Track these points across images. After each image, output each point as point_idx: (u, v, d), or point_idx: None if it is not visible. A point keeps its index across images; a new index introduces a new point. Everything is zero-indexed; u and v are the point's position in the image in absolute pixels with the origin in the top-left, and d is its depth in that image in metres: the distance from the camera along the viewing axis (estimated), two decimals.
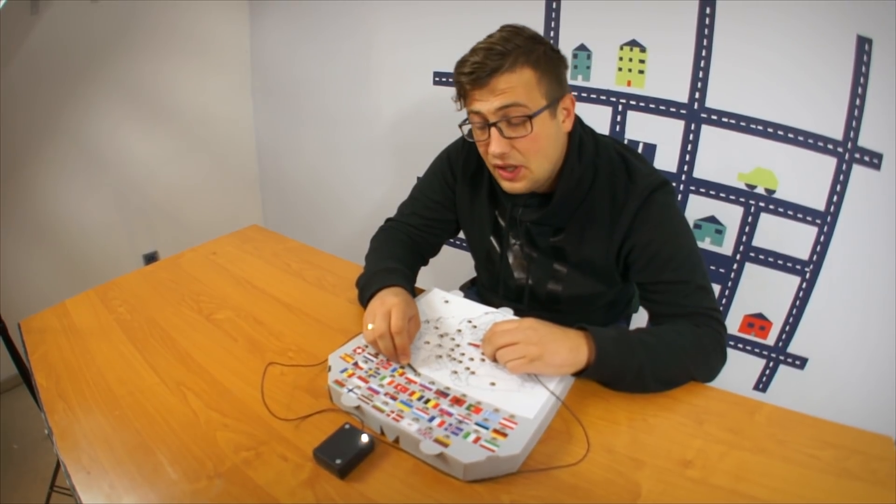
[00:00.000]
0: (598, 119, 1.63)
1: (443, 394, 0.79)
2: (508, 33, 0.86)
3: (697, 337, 0.87)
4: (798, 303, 1.49)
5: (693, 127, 1.49)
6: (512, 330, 0.82)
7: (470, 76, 0.85)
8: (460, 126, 0.96)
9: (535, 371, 0.80)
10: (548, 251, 1.02)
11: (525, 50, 0.84)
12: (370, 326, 0.87)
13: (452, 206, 1.14)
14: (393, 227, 1.17)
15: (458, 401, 0.78)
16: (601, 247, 0.96)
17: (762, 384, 1.63)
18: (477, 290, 1.31)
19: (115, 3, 2.01)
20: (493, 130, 0.87)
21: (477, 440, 0.70)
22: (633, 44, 1.51)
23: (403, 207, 1.19)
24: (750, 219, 1.49)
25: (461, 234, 1.19)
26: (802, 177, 1.39)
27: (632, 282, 1.02)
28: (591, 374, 0.82)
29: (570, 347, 0.81)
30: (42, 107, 1.93)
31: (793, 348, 1.54)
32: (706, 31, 1.39)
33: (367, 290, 0.97)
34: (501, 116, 0.85)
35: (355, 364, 0.85)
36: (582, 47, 1.59)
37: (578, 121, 0.97)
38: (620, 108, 1.59)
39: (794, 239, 1.44)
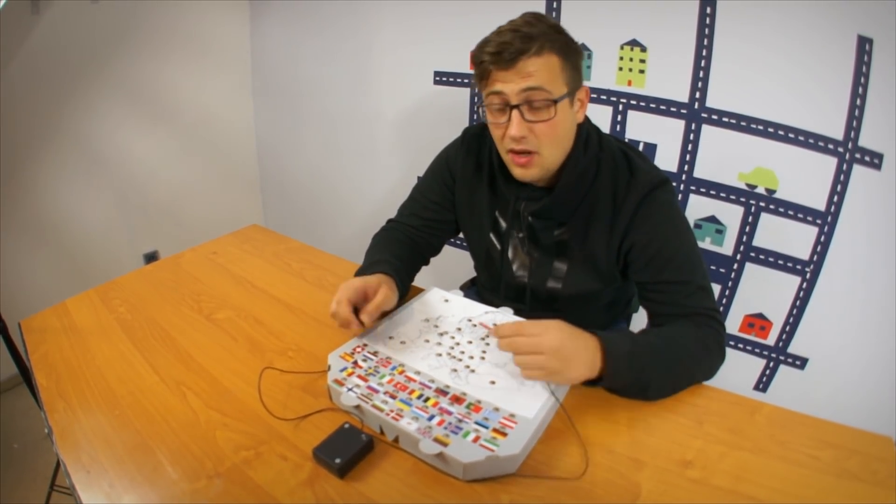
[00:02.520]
0: (598, 119, 1.60)
1: (442, 392, 0.79)
2: (532, 18, 0.86)
3: (704, 341, 0.86)
4: (798, 303, 1.49)
5: (693, 127, 1.49)
6: (538, 341, 0.77)
7: (495, 56, 0.83)
8: (478, 108, 0.96)
9: (548, 381, 0.79)
10: (550, 248, 1.02)
11: (550, 36, 0.84)
12: (333, 309, 0.88)
13: (451, 206, 1.14)
14: (393, 227, 1.17)
15: (457, 399, 0.78)
16: (603, 241, 0.96)
17: (762, 384, 1.63)
18: (477, 291, 1.31)
19: (116, 4, 2.01)
20: (515, 113, 0.86)
21: (476, 439, 0.70)
22: (633, 43, 1.51)
23: (403, 208, 1.19)
24: (750, 219, 1.49)
25: (462, 234, 1.19)
26: (803, 177, 1.38)
27: (631, 280, 1.02)
28: (595, 385, 0.81)
29: (587, 364, 0.78)
30: (43, 107, 1.93)
31: (793, 348, 1.54)
32: (707, 30, 1.39)
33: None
34: (524, 99, 0.85)
35: (354, 363, 0.85)
36: (582, 47, 1.59)
37: (585, 116, 0.97)
38: (621, 107, 1.59)
39: (795, 239, 1.44)
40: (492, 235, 1.09)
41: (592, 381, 0.80)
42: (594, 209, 0.95)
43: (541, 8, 1.62)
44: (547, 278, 1.05)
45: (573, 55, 0.88)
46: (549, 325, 0.79)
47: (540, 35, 0.83)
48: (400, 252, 1.09)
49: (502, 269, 1.10)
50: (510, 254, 1.08)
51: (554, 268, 1.04)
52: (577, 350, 0.78)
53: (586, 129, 0.96)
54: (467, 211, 1.11)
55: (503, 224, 1.06)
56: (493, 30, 0.87)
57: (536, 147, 0.89)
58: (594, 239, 0.97)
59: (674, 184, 1.56)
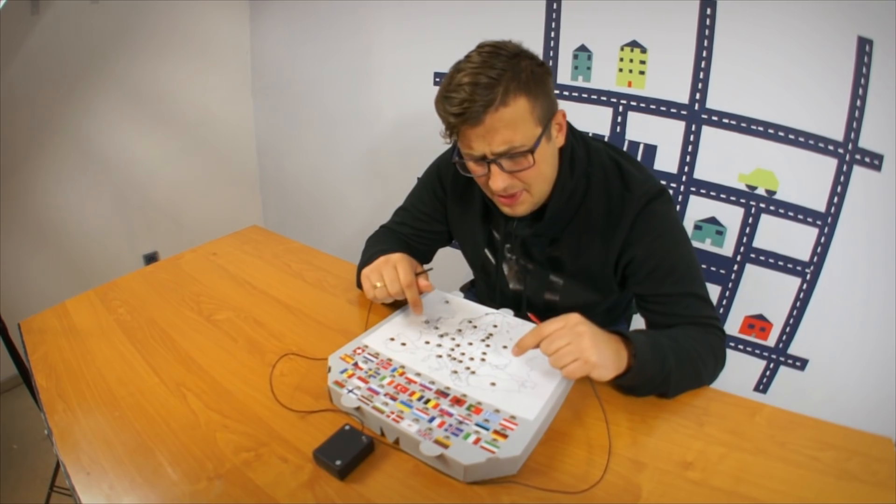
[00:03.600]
0: (598, 120, 1.63)
1: (443, 394, 0.79)
2: (488, 55, 0.79)
3: (709, 343, 0.86)
4: (798, 304, 1.49)
5: (694, 128, 1.49)
6: (566, 330, 0.76)
7: (460, 116, 0.78)
8: (454, 162, 0.92)
9: (589, 375, 0.75)
10: (544, 263, 1.02)
11: (513, 73, 0.78)
12: (378, 285, 0.90)
13: (443, 218, 1.14)
14: (387, 231, 1.18)
15: (458, 401, 0.78)
16: (598, 256, 0.95)
17: (762, 385, 1.63)
18: (476, 294, 1.31)
19: (116, 3, 2.01)
20: (494, 167, 0.83)
21: (477, 441, 0.70)
22: (633, 44, 1.51)
23: (395, 215, 1.19)
24: (750, 220, 1.49)
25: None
26: (803, 178, 1.38)
27: (630, 290, 1.01)
28: (624, 380, 0.79)
29: (615, 351, 0.76)
30: (42, 107, 1.93)
31: (793, 349, 1.54)
32: (707, 31, 1.39)
33: (365, 267, 0.99)
34: (501, 154, 0.82)
35: (355, 364, 0.85)
36: (582, 48, 1.59)
37: (570, 129, 0.94)
38: (621, 108, 1.59)
39: (795, 240, 1.44)
40: (487, 251, 1.08)
41: (620, 376, 0.78)
42: (587, 224, 0.94)
43: (540, 9, 1.62)
44: (544, 291, 1.05)
45: (540, 83, 0.81)
46: (567, 315, 0.78)
47: (500, 77, 0.77)
48: (400, 248, 1.09)
49: (499, 282, 1.10)
50: (505, 269, 1.08)
51: (550, 281, 1.03)
52: (602, 335, 0.77)
53: (570, 147, 0.92)
54: (461, 225, 1.11)
55: (498, 238, 1.05)
56: (451, 70, 0.82)
57: (523, 188, 0.87)
58: (588, 254, 0.96)
59: (673, 187, 1.56)
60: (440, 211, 1.13)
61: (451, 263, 1.59)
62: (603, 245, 0.94)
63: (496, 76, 0.77)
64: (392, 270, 0.90)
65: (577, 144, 0.94)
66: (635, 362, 0.77)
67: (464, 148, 0.85)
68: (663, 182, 0.94)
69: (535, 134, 0.82)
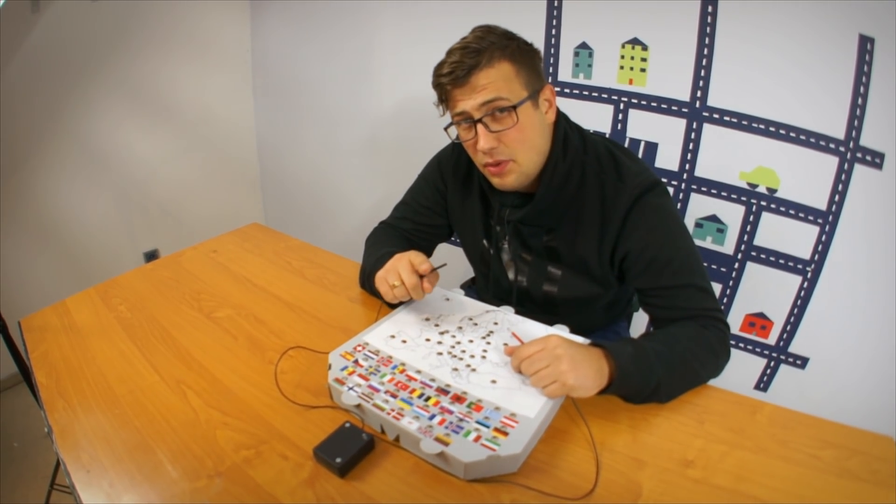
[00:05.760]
0: (599, 117, 1.62)
1: (443, 391, 0.79)
2: (482, 31, 0.88)
3: (708, 341, 0.86)
4: (799, 302, 1.48)
5: (695, 125, 1.49)
6: (543, 354, 0.78)
7: (449, 76, 0.86)
8: (446, 129, 0.95)
9: (569, 394, 0.78)
10: (541, 253, 1.02)
11: (500, 45, 0.85)
12: (396, 284, 0.91)
13: (443, 211, 1.14)
14: (386, 228, 1.18)
15: (458, 398, 0.78)
16: (593, 247, 0.95)
17: (763, 384, 1.63)
18: (476, 290, 1.31)
19: (116, 3, 2.01)
20: (480, 127, 0.87)
21: (478, 439, 0.70)
22: (634, 42, 1.51)
23: (395, 211, 1.20)
24: (751, 218, 1.49)
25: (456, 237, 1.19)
26: (804, 176, 1.38)
27: (630, 284, 1.01)
28: (608, 393, 0.80)
29: (596, 369, 0.77)
30: (43, 105, 1.93)
31: (794, 348, 1.54)
32: (708, 29, 1.38)
33: (375, 269, 0.98)
34: (486, 112, 0.86)
35: (355, 362, 0.85)
36: (583, 45, 1.59)
37: (564, 117, 0.96)
38: (622, 106, 1.59)
39: (796, 238, 1.44)
40: (485, 241, 1.08)
41: (604, 389, 0.79)
42: (582, 215, 0.94)
43: (542, 8, 1.62)
44: (542, 282, 1.05)
45: (527, 58, 0.89)
46: (547, 337, 0.81)
47: (488, 46, 0.85)
48: (403, 246, 1.09)
49: (497, 274, 1.10)
50: (503, 259, 1.08)
51: (549, 272, 1.03)
52: (582, 355, 0.78)
53: (564, 130, 0.94)
54: (460, 216, 1.11)
55: (496, 229, 1.05)
56: (446, 52, 0.90)
57: (509, 155, 0.89)
58: (583, 245, 0.96)
59: (673, 185, 1.56)
60: (441, 204, 1.14)
61: (451, 261, 1.58)
62: (597, 236, 0.94)
63: (484, 46, 0.85)
64: (406, 263, 0.92)
65: (572, 131, 0.96)
66: (617, 378, 0.78)
67: (453, 112, 0.91)
68: (664, 180, 0.94)
69: (520, 96, 0.86)
